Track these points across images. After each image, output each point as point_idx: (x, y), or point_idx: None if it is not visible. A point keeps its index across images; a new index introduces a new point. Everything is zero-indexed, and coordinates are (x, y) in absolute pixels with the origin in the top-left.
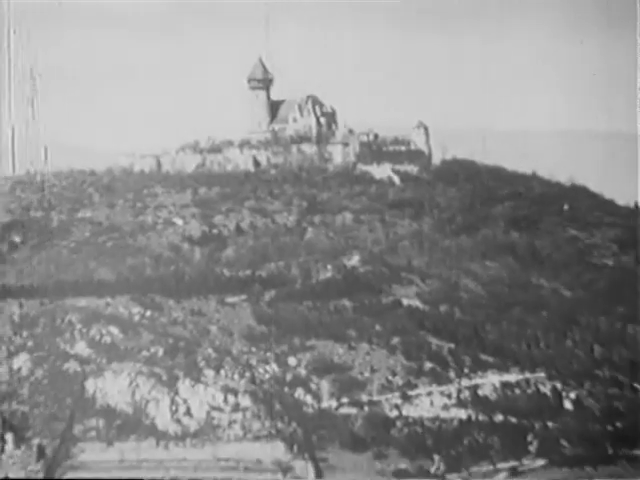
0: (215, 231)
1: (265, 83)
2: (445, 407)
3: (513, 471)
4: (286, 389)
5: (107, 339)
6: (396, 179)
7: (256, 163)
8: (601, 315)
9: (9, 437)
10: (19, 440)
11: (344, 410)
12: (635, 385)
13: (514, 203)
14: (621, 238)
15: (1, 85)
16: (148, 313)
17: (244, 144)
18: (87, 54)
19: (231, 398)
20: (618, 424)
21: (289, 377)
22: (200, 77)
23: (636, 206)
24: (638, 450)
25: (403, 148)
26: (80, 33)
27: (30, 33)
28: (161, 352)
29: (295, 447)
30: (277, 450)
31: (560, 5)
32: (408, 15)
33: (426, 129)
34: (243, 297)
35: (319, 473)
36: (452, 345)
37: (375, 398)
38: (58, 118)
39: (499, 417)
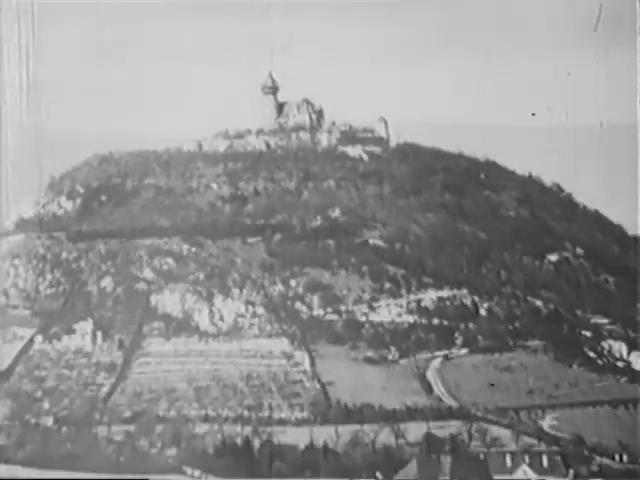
0: (239, 193)
1: (273, 90)
2: (399, 314)
3: (445, 357)
4: (288, 302)
5: (165, 267)
6: (365, 157)
7: (267, 146)
8: (505, 251)
9: (99, 334)
10: (106, 336)
11: (329, 317)
12: (528, 297)
13: (446, 174)
14: (520, 197)
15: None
16: (193, 249)
17: (259, 132)
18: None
19: (250, 308)
20: (517, 324)
21: (291, 294)
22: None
23: (530, 175)
24: (531, 341)
25: (369, 135)
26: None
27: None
28: (202, 276)
29: (295, 342)
30: (283, 344)
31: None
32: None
33: (385, 122)
34: (259, 238)
35: (312, 360)
36: (403, 271)
37: (350, 308)
38: (125, 111)
39: (435, 321)
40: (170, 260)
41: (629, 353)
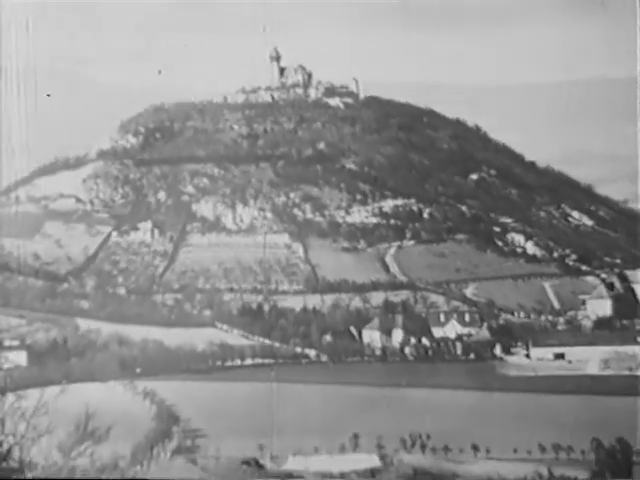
0: (253, 132)
1: (277, 58)
2: (366, 217)
3: (398, 247)
4: (289, 209)
5: (202, 184)
6: (342, 106)
7: (273, 98)
8: (441, 172)
9: (156, 231)
10: (161, 232)
11: (317, 219)
12: (457, 205)
13: (400, 118)
14: (451, 134)
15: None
16: (222, 172)
17: (267, 89)
18: None
19: (262, 213)
20: (449, 223)
21: (290, 203)
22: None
23: (457, 119)
24: (458, 235)
25: (345, 90)
26: None
27: None
28: (228, 191)
29: (293, 237)
30: (284, 238)
31: None
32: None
33: (357, 81)
34: (268, 164)
35: (305, 249)
36: (370, 187)
37: (332, 213)
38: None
39: (392, 221)
40: (205, 179)
41: (525, 242)
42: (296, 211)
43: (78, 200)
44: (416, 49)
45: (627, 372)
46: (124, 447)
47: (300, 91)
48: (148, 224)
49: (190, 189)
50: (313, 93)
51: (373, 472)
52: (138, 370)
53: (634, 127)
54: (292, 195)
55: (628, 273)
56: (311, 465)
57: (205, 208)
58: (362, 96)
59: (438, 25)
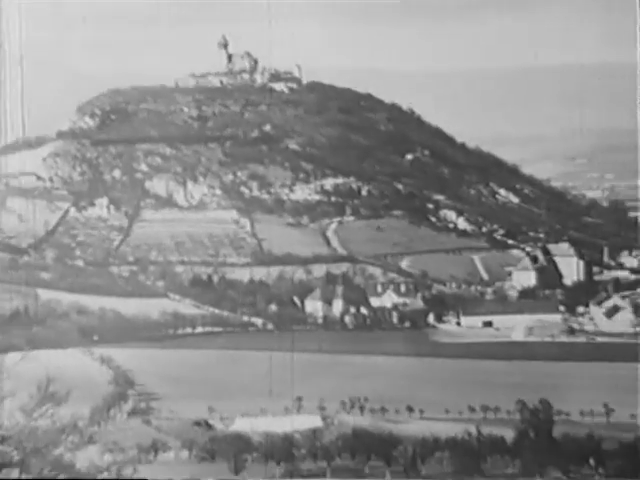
0: (203, 114)
1: (225, 45)
2: (309, 194)
3: (339, 222)
4: (236, 186)
5: (155, 163)
6: (286, 90)
7: (221, 83)
8: (379, 152)
9: (112, 207)
10: (116, 208)
11: (263, 196)
12: (393, 183)
13: (339, 101)
14: (387, 117)
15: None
16: (174, 151)
17: (216, 74)
18: None
19: (211, 190)
20: (386, 201)
21: (238, 181)
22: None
23: (393, 103)
24: (395, 211)
25: (289, 76)
26: None
27: None
28: (179, 169)
29: (241, 213)
30: (233, 214)
31: None
32: None
33: (299, 67)
34: (216, 144)
35: (252, 224)
36: (312, 166)
37: (277, 191)
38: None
39: (333, 198)
40: (158, 158)
41: (457, 218)
42: (243, 188)
43: (39, 178)
44: (357, 38)
45: (549, 339)
46: (83, 409)
47: (247, 76)
48: (104, 200)
49: (144, 167)
50: (259, 78)
51: (315, 432)
52: (95, 337)
53: (558, 110)
54: (239, 174)
55: (550, 247)
56: (257, 426)
57: (158, 185)
58: (305, 81)
59: (386, 16)
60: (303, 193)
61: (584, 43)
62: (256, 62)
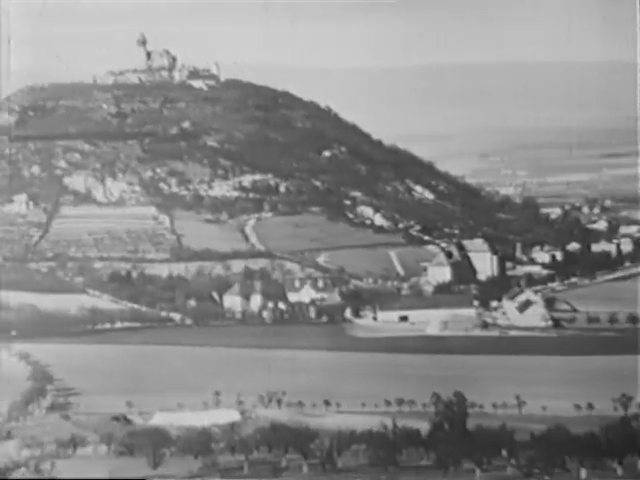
0: (122, 111)
1: (143, 43)
2: (227, 191)
3: (257, 219)
4: (155, 183)
5: (73, 159)
6: (204, 87)
7: (140, 80)
8: (297, 149)
9: (31, 203)
10: (35, 204)
11: (182, 192)
12: (311, 179)
13: (257, 98)
14: (305, 114)
15: None
16: (92, 147)
17: (135, 71)
18: None
19: (131, 187)
20: (304, 197)
21: (157, 177)
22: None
23: (311, 100)
24: (313, 207)
25: (207, 73)
26: None
27: None
28: (98, 165)
29: (160, 209)
30: (152, 210)
31: None
32: None
33: (217, 65)
34: (135, 141)
35: (171, 220)
36: (230, 162)
37: (196, 187)
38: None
39: (251, 195)
40: (77, 155)
41: (373, 214)
42: (162, 185)
43: None
44: (276, 36)
45: (463, 333)
46: (1, 405)
47: (165, 74)
48: (23, 196)
49: (63, 164)
50: (177, 76)
51: (233, 426)
52: (14, 333)
53: (468, 110)
54: (158, 170)
55: (465, 242)
56: (176, 420)
57: (77, 182)
58: (223, 79)
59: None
60: (222, 189)
61: (503, 43)
62: (174, 59)
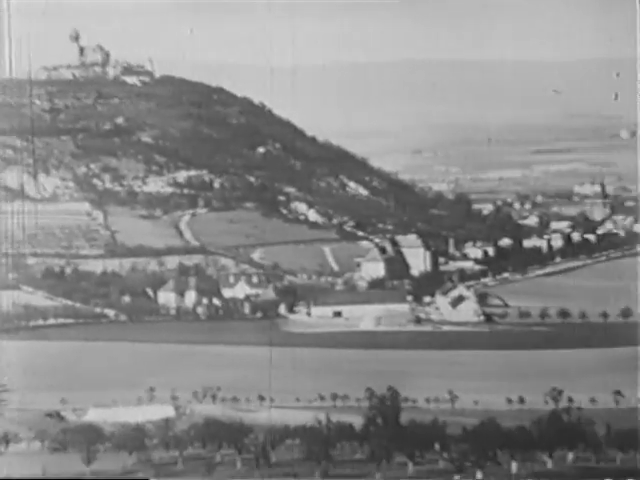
0: (55, 107)
1: (76, 38)
2: (162, 187)
3: (192, 214)
4: (89, 179)
5: (6, 155)
6: (138, 83)
7: (73, 76)
8: (231, 145)
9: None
10: None
11: (116, 188)
12: (245, 175)
13: (191, 94)
14: (239, 110)
15: None
16: (25, 144)
17: (68, 66)
18: None
19: (64, 183)
20: (238, 193)
21: (91, 173)
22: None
23: (244, 97)
24: (247, 203)
25: (141, 69)
26: None
27: None
28: (31, 161)
29: (94, 205)
30: (86, 206)
31: None
32: None
33: (151, 61)
34: (69, 137)
35: (105, 216)
36: (165, 159)
37: (130, 183)
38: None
39: (186, 190)
40: (9, 150)
41: (308, 210)
42: (96, 181)
43: None
44: (210, 32)
45: (397, 328)
46: None
47: (99, 69)
48: None
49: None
50: (111, 71)
51: (167, 422)
52: None
53: (405, 104)
54: (92, 166)
55: (398, 238)
56: (110, 416)
57: (9, 177)
58: (157, 75)
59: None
60: (156, 185)
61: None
62: (108, 55)
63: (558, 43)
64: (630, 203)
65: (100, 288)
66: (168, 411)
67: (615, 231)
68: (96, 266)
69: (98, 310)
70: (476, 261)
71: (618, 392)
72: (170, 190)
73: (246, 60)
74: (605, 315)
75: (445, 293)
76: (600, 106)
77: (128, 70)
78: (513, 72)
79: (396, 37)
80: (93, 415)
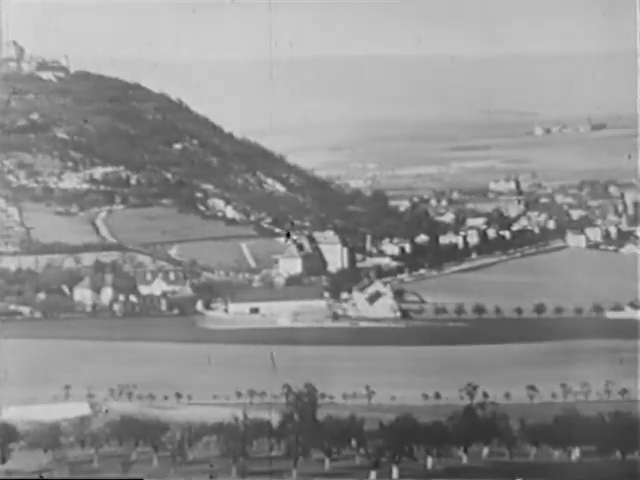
0: None
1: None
2: (78, 183)
3: (109, 211)
4: (3, 175)
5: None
6: (54, 79)
7: None
8: (148, 141)
9: None
10: None
11: (31, 185)
12: (162, 171)
13: (108, 90)
14: (155, 107)
15: None
16: None
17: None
18: None
19: None
20: (154, 189)
21: (5, 169)
22: None
23: (162, 92)
24: (164, 200)
25: (57, 65)
26: None
27: None
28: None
29: (9, 202)
30: (0, 202)
31: None
32: None
33: (67, 57)
34: None
35: (20, 213)
36: (81, 155)
37: (45, 179)
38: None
39: (102, 187)
40: None
41: (225, 206)
42: (11, 177)
43: None
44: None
45: (314, 324)
46: None
47: (13, 65)
48: None
49: None
50: (26, 67)
51: (83, 420)
52: None
53: (324, 100)
54: (7, 162)
55: (316, 235)
56: (25, 414)
57: None
58: (73, 70)
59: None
60: (72, 182)
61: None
62: (22, 50)
63: (484, 38)
64: (544, 200)
65: (15, 285)
66: (84, 409)
67: (530, 228)
68: (11, 263)
69: (13, 307)
70: (393, 257)
71: (532, 387)
72: (86, 186)
73: (163, 56)
74: (519, 311)
75: (362, 289)
76: (516, 102)
77: (43, 66)
78: (432, 69)
79: (323, 33)
80: (8, 414)
